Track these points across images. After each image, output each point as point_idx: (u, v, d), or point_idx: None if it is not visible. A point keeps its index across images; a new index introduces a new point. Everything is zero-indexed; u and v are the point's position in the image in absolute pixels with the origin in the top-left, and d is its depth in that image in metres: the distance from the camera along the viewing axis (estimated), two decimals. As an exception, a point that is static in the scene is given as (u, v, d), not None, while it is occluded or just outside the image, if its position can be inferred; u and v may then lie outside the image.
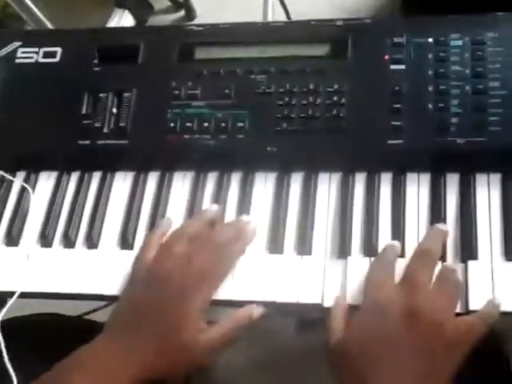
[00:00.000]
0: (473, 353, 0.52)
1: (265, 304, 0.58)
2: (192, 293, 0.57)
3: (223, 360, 0.75)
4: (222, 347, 0.57)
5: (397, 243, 0.59)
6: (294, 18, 1.03)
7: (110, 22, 1.54)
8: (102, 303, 0.72)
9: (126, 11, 1.56)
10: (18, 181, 0.70)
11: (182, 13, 1.59)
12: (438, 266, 0.57)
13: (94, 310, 0.79)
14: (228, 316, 0.58)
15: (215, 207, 0.64)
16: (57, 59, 0.71)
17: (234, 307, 0.59)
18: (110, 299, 0.62)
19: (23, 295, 0.62)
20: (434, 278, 0.56)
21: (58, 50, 0.72)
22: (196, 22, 1.57)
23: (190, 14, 1.58)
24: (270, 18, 0.86)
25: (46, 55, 0.72)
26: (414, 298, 0.53)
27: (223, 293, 0.59)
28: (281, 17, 1.02)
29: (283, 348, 0.77)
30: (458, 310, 0.56)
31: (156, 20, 1.60)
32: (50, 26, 1.32)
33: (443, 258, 0.58)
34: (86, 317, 0.79)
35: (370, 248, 0.60)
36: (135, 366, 0.54)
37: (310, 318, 0.76)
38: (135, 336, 0.56)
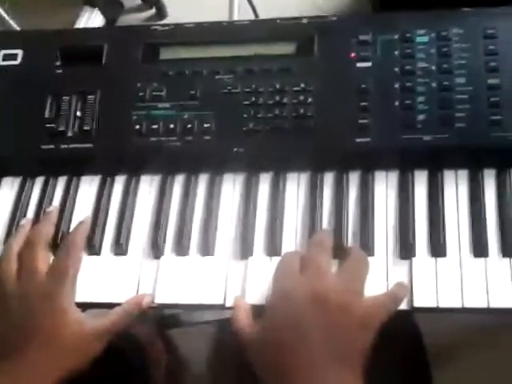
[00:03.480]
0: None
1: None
2: (55, 292, 0.58)
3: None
4: (112, 333, 0.59)
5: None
6: (262, 15, 1.03)
7: (79, 20, 1.51)
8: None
9: (96, 9, 1.54)
10: (-20, 187, 0.68)
11: (153, 11, 1.58)
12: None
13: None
14: (118, 306, 0.60)
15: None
16: (17, 61, 0.70)
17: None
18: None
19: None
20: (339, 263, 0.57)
21: (19, 52, 0.70)
22: (167, 20, 1.56)
23: (161, 12, 1.56)
24: (236, 16, 0.85)
25: (6, 58, 0.70)
26: (318, 281, 0.54)
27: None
28: (249, 14, 1.01)
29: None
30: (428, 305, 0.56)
31: (126, 19, 1.58)
32: (16, 26, 1.29)
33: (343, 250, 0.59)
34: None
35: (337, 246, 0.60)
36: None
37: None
38: (20, 359, 0.56)
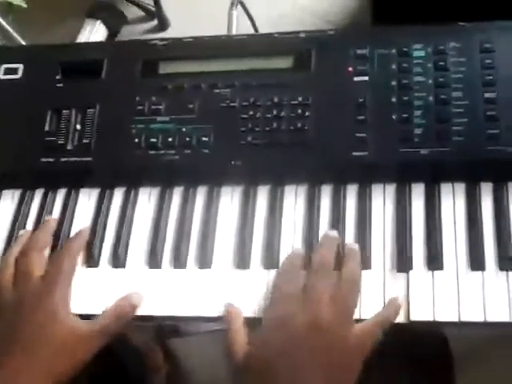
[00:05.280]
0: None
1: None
2: (47, 295, 0.58)
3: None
4: (105, 336, 0.58)
5: (299, 250, 0.60)
6: (261, 26, 1.03)
7: (81, 32, 1.52)
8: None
9: (99, 21, 1.55)
10: (-20, 199, 0.69)
11: (155, 22, 1.59)
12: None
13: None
14: (109, 308, 0.59)
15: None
16: (18, 75, 0.71)
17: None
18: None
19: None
20: (334, 284, 0.57)
21: (20, 66, 0.71)
22: (169, 31, 1.57)
23: (163, 23, 1.57)
24: (235, 27, 0.86)
25: (7, 72, 0.71)
26: (312, 310, 0.54)
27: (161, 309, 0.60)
28: (249, 25, 1.02)
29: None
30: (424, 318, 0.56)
31: (129, 30, 1.59)
32: (19, 39, 1.30)
33: (340, 263, 0.58)
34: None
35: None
36: None
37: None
38: (11, 365, 0.56)
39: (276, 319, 0.55)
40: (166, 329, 0.88)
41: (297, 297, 0.56)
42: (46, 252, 0.64)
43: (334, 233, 0.60)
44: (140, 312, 0.60)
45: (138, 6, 1.58)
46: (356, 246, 0.59)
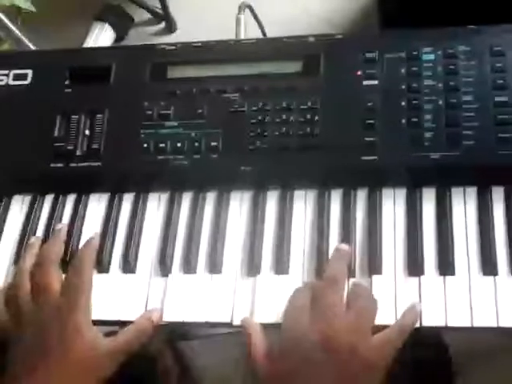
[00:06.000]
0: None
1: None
2: (69, 311, 0.57)
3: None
4: (126, 353, 0.58)
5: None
6: (269, 30, 1.03)
7: (89, 35, 1.53)
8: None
9: (106, 24, 1.55)
10: (-10, 205, 0.69)
11: (163, 25, 1.59)
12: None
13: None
14: (130, 325, 0.59)
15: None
16: (27, 81, 0.71)
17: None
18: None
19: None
20: (346, 298, 0.56)
21: (29, 72, 0.71)
22: (176, 34, 1.57)
23: (171, 26, 1.57)
24: (243, 33, 0.86)
25: (17, 77, 0.71)
26: (327, 324, 0.54)
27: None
28: (257, 31, 1.01)
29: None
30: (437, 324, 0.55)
31: (136, 33, 1.59)
32: (27, 42, 1.31)
33: (351, 275, 0.59)
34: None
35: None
36: None
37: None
38: (34, 377, 0.56)
39: (288, 341, 0.55)
40: (176, 332, 0.88)
41: (307, 311, 0.55)
42: None
43: (345, 246, 0.59)
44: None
45: (146, 8, 1.58)
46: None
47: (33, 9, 1.23)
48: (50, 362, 0.56)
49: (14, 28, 1.30)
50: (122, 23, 1.58)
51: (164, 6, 1.52)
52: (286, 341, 0.55)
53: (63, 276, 0.61)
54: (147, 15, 1.61)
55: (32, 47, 1.32)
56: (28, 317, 0.59)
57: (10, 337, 0.60)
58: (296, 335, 0.54)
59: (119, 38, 1.58)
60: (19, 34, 1.32)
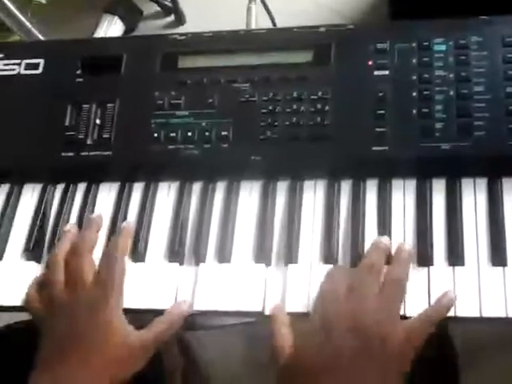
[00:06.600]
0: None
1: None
2: (102, 303, 0.57)
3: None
4: (157, 345, 0.58)
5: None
6: (280, 22, 1.03)
7: (99, 27, 1.53)
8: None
9: (116, 17, 1.55)
10: (1, 193, 0.69)
11: (172, 18, 1.59)
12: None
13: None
14: (161, 316, 0.59)
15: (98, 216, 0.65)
16: (39, 71, 0.71)
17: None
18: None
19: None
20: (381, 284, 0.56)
21: (41, 61, 0.71)
22: (185, 26, 1.57)
23: (180, 18, 1.57)
24: (254, 22, 0.86)
25: (29, 67, 0.71)
26: (360, 311, 0.54)
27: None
28: (267, 20, 1.01)
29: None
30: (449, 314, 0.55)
31: (145, 25, 1.59)
32: (37, 33, 1.31)
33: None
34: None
35: (354, 254, 0.60)
36: None
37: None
38: (67, 366, 0.56)
39: (321, 320, 0.55)
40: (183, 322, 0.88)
41: (342, 294, 0.55)
42: None
43: (386, 239, 0.59)
44: (159, 306, 0.61)
45: (155, 1, 1.58)
46: (407, 247, 0.58)
47: (43, 1, 1.24)
48: (83, 353, 0.56)
49: (24, 20, 1.30)
50: (131, 16, 1.58)
51: (173, -1, 1.53)
52: (318, 326, 0.54)
53: (96, 265, 0.61)
54: (156, 8, 1.61)
55: (42, 39, 1.33)
56: (61, 307, 0.59)
57: (43, 323, 0.60)
58: (328, 323, 0.54)
59: (128, 30, 1.58)
60: (29, 26, 1.32)
